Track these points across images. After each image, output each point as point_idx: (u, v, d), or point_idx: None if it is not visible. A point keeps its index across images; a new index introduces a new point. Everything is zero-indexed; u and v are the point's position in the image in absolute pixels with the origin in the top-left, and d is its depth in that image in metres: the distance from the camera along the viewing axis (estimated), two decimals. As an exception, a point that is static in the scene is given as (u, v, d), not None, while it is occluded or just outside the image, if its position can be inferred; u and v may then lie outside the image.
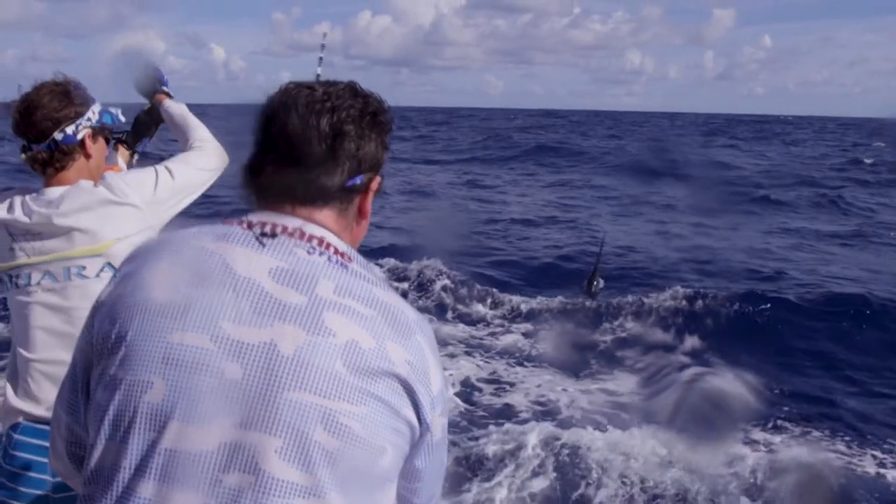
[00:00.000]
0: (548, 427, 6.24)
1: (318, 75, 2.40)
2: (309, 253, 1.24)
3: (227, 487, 1.11)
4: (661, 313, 9.36)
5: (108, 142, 2.46)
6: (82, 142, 2.31)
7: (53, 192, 2.26)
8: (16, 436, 2.26)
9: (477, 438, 6.03)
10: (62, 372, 1.37)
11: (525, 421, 6.50)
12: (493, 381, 7.56)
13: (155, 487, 1.13)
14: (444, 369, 1.31)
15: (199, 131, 2.68)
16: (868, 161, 31.99)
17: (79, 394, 1.29)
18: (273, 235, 1.24)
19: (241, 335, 1.16)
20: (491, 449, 5.82)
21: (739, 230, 15.13)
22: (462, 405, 6.88)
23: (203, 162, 2.57)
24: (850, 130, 68.32)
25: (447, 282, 10.28)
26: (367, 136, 1.30)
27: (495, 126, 59.36)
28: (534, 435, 6.04)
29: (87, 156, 2.33)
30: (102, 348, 1.21)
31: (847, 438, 6.48)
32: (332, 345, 1.16)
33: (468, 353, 8.29)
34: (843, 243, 14.61)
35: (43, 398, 2.21)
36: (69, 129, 2.28)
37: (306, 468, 1.12)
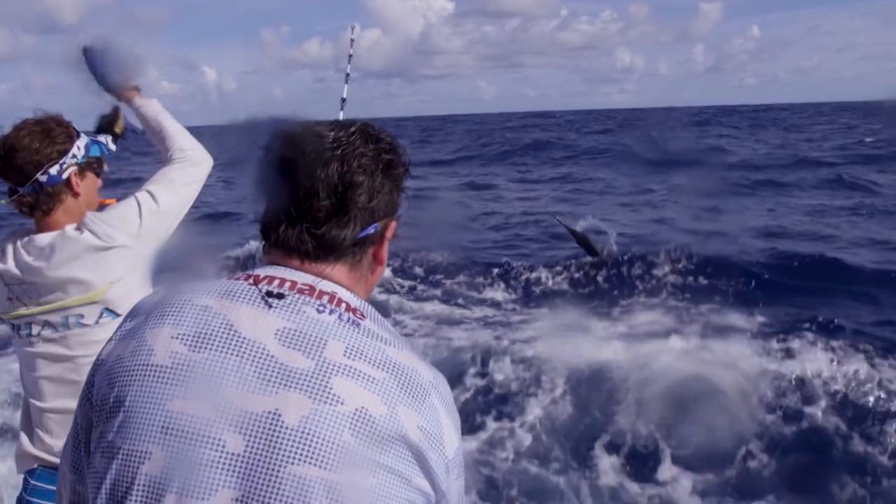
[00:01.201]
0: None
1: (348, 74, 2.38)
2: (319, 311, 1.18)
3: None
4: (672, 281, 9.52)
5: (98, 175, 2.36)
6: (68, 181, 2.23)
7: (42, 239, 2.19)
8: (32, 481, 2.24)
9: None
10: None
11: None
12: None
13: None
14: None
15: (179, 139, 2.51)
16: (868, 140, 32.02)
17: (82, 452, 1.23)
18: (282, 296, 1.18)
19: (244, 404, 1.10)
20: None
21: (750, 210, 15.16)
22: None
23: (187, 176, 2.44)
24: (845, 113, 68.46)
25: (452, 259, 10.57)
26: (380, 186, 1.24)
27: (490, 128, 59.89)
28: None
29: (76, 194, 2.25)
30: (101, 410, 1.17)
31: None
32: (340, 413, 1.10)
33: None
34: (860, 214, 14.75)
35: (57, 446, 2.16)
36: (53, 170, 2.19)
37: None
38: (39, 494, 2.21)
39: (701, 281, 9.58)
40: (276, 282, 1.20)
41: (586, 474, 5.69)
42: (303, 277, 1.22)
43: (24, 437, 2.30)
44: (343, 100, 2.44)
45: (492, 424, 6.31)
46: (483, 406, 6.63)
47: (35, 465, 2.26)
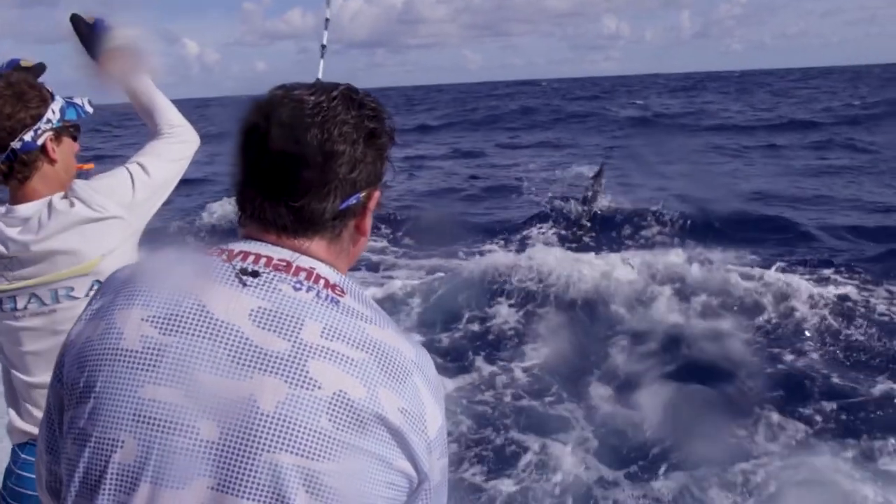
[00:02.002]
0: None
1: (327, 19, 2.33)
2: (295, 289, 1.11)
3: None
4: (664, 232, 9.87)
5: (75, 139, 2.23)
6: (44, 147, 2.10)
7: (25, 210, 2.09)
8: (23, 455, 2.17)
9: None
10: None
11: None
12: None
13: None
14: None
15: (168, 113, 2.37)
16: (856, 103, 32.36)
17: (56, 433, 1.19)
18: (257, 273, 1.12)
19: (218, 389, 1.05)
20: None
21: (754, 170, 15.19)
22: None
23: (176, 152, 2.33)
24: (831, 77, 68.97)
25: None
26: (362, 156, 1.16)
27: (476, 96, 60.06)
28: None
29: (52, 161, 2.13)
30: (71, 394, 1.13)
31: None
32: (317, 398, 1.05)
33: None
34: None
35: None
36: (27, 137, 2.07)
37: None
38: (31, 468, 2.11)
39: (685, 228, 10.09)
40: (252, 258, 1.14)
41: (581, 405, 6.00)
42: (279, 253, 1.15)
43: (11, 412, 2.23)
44: (323, 46, 2.33)
45: (486, 365, 6.62)
46: (480, 346, 6.98)
47: (25, 440, 2.18)
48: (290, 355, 1.07)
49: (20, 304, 2.12)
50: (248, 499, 1.03)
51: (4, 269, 2.09)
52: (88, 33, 2.34)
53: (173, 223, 11.89)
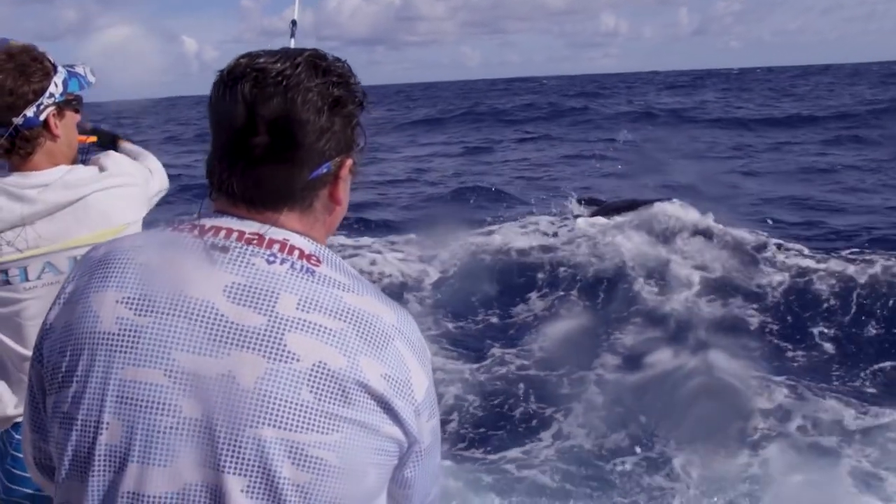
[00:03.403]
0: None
1: (294, 22, 2.29)
2: (269, 262, 1.11)
3: None
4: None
5: (77, 111, 2.17)
6: (46, 122, 2.05)
7: (42, 176, 2.04)
8: (17, 435, 2.11)
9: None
10: None
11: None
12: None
13: None
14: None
15: (150, 160, 2.44)
16: (853, 101, 32.09)
17: (41, 412, 1.20)
18: (226, 248, 1.11)
19: (196, 367, 1.07)
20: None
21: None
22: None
23: (154, 182, 2.35)
24: (830, 74, 68.64)
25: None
26: (329, 124, 1.13)
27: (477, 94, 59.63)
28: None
29: (55, 137, 2.08)
30: (53, 379, 1.13)
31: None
32: (297, 371, 1.06)
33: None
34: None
35: None
36: (30, 112, 2.01)
37: None
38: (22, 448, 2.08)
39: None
40: (223, 232, 1.13)
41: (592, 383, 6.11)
42: (250, 226, 1.14)
43: (4, 390, 2.18)
44: (293, 22, 2.31)
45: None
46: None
47: (19, 419, 2.14)
48: (266, 329, 1.07)
49: (32, 274, 2.05)
50: (233, 474, 1.05)
51: (18, 240, 2.03)
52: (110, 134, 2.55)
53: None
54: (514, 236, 9.92)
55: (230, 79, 1.13)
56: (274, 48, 1.19)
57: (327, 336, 1.09)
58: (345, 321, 1.11)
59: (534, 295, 8.12)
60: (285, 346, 1.07)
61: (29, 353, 1.95)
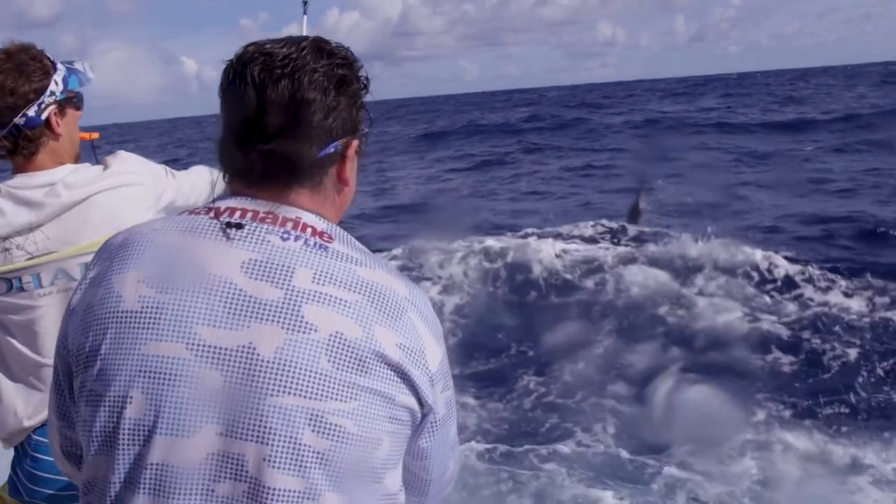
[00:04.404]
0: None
1: (305, 2, 2.33)
2: (283, 239, 1.15)
3: (220, 497, 1.09)
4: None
5: (78, 108, 2.14)
6: (48, 121, 2.03)
7: (45, 176, 2.00)
8: (35, 437, 2.09)
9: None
10: None
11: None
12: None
13: (147, 501, 1.10)
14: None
15: (195, 179, 2.40)
16: (855, 104, 32.05)
17: (66, 399, 1.24)
18: (240, 225, 1.16)
19: (217, 340, 1.10)
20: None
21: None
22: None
23: (185, 188, 2.31)
24: (829, 77, 68.64)
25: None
26: (335, 103, 1.18)
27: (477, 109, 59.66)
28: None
29: (57, 135, 2.05)
30: (78, 360, 1.17)
31: None
32: (314, 341, 1.10)
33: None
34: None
35: None
36: (31, 111, 1.99)
37: (298, 472, 1.08)
38: (43, 450, 2.06)
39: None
40: (238, 213, 1.18)
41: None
42: (264, 206, 1.19)
43: (20, 396, 2.13)
44: (305, 2, 2.34)
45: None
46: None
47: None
48: (283, 302, 1.11)
49: (45, 282, 2.02)
50: (256, 442, 1.08)
51: (27, 243, 1.99)
52: None
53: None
54: (533, 252, 9.90)
55: (239, 64, 1.17)
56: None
57: (343, 307, 1.12)
58: (359, 293, 1.14)
59: (552, 317, 8.08)
60: (303, 317, 1.10)
61: (44, 359, 2.02)
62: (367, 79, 1.26)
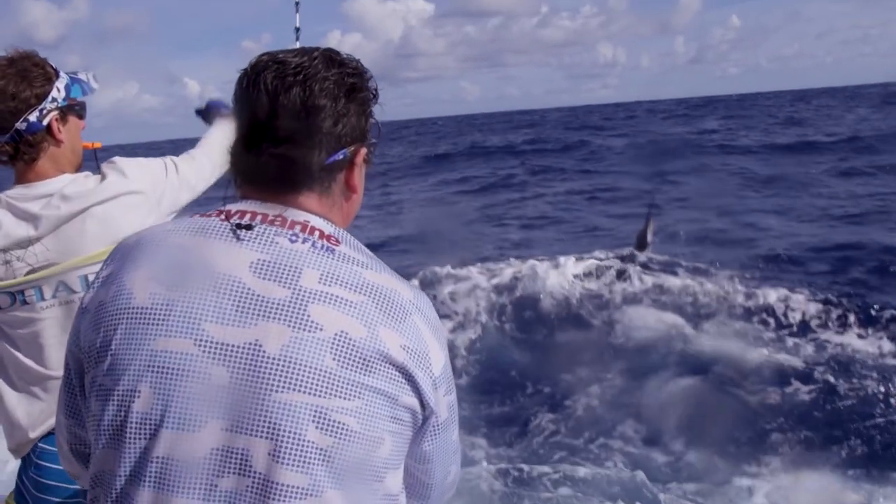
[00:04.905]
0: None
1: (297, 3, 2.37)
2: (291, 241, 1.18)
3: (223, 492, 1.10)
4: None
5: (81, 117, 2.15)
6: (49, 127, 2.03)
7: (45, 186, 2.01)
8: (41, 445, 2.10)
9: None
10: None
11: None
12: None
13: (151, 495, 1.11)
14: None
15: (207, 147, 2.42)
16: (859, 126, 32.09)
17: (77, 397, 1.26)
18: (250, 227, 1.18)
19: (224, 337, 1.12)
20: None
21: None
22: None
23: (205, 166, 2.33)
24: (828, 98, 68.92)
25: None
26: (345, 110, 1.22)
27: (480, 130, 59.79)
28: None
29: (58, 142, 2.05)
30: (90, 356, 1.19)
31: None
32: (320, 339, 1.11)
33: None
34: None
35: None
36: (32, 117, 2.00)
37: (301, 468, 1.09)
38: (49, 458, 2.07)
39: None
40: (248, 215, 1.21)
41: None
42: (273, 209, 1.21)
43: (22, 406, 2.13)
44: (297, 29, 2.39)
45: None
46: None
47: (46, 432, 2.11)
48: (290, 301, 1.13)
49: (47, 295, 2.02)
50: (260, 437, 1.09)
51: (27, 255, 1.99)
52: (205, 111, 2.63)
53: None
54: (543, 283, 9.87)
55: (253, 72, 1.21)
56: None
57: (348, 308, 1.14)
58: (365, 294, 1.16)
59: (564, 353, 8.04)
60: (309, 316, 1.12)
61: (50, 371, 2.04)
62: (376, 89, 1.29)
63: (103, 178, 2.07)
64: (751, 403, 6.74)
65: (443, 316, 8.79)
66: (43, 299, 2.02)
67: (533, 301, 9.36)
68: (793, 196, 16.31)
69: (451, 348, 8.10)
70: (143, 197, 2.09)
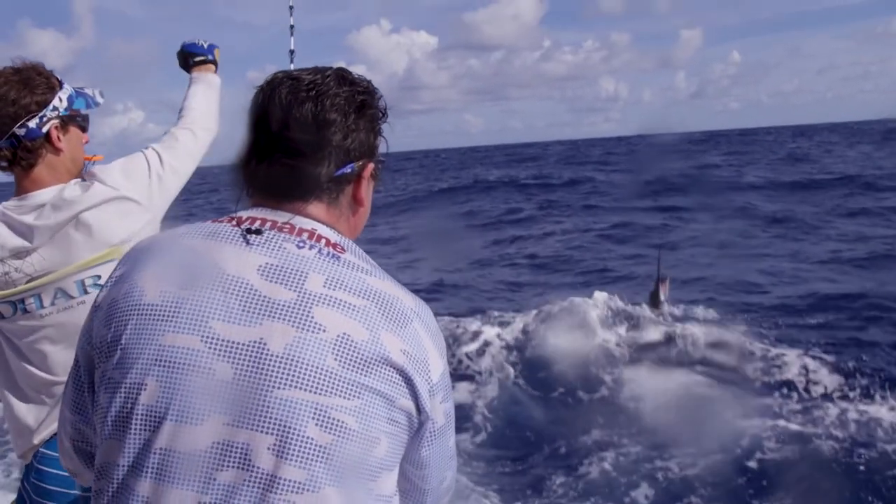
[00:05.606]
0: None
1: (292, 26, 2.43)
2: (299, 247, 1.22)
3: (222, 485, 1.12)
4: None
5: (84, 129, 2.17)
6: (48, 135, 2.05)
7: (37, 197, 2.03)
8: (42, 450, 2.13)
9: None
10: None
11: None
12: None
13: (151, 486, 1.14)
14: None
15: (194, 112, 2.42)
16: (862, 163, 32.18)
17: (84, 393, 1.29)
18: (259, 232, 1.22)
19: (230, 334, 1.15)
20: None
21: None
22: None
23: (189, 144, 2.32)
24: (829, 134, 69.20)
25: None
26: (354, 126, 1.27)
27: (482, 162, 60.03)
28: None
29: (57, 150, 2.07)
30: (101, 351, 1.22)
31: None
32: (323, 340, 1.15)
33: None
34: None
35: None
36: (32, 123, 2.02)
37: (300, 464, 1.11)
38: (51, 463, 2.08)
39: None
40: (258, 221, 1.25)
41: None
42: (282, 216, 1.26)
43: (27, 413, 2.16)
44: (291, 52, 2.43)
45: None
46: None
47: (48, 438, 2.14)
48: (295, 303, 1.17)
49: (46, 302, 2.04)
50: (261, 431, 1.12)
51: (25, 265, 2.01)
52: (181, 58, 2.59)
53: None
54: (555, 338, 9.69)
55: (269, 87, 1.27)
56: None
57: (352, 311, 1.18)
58: (368, 300, 1.20)
59: (580, 414, 7.90)
60: (313, 317, 1.16)
61: (53, 377, 2.07)
62: (385, 109, 1.34)
63: (90, 185, 2.07)
64: (770, 473, 6.64)
65: (459, 375, 8.71)
66: (42, 307, 2.05)
67: (547, 357, 9.18)
68: (800, 238, 16.26)
69: (468, 406, 8.11)
70: (132, 203, 2.10)
